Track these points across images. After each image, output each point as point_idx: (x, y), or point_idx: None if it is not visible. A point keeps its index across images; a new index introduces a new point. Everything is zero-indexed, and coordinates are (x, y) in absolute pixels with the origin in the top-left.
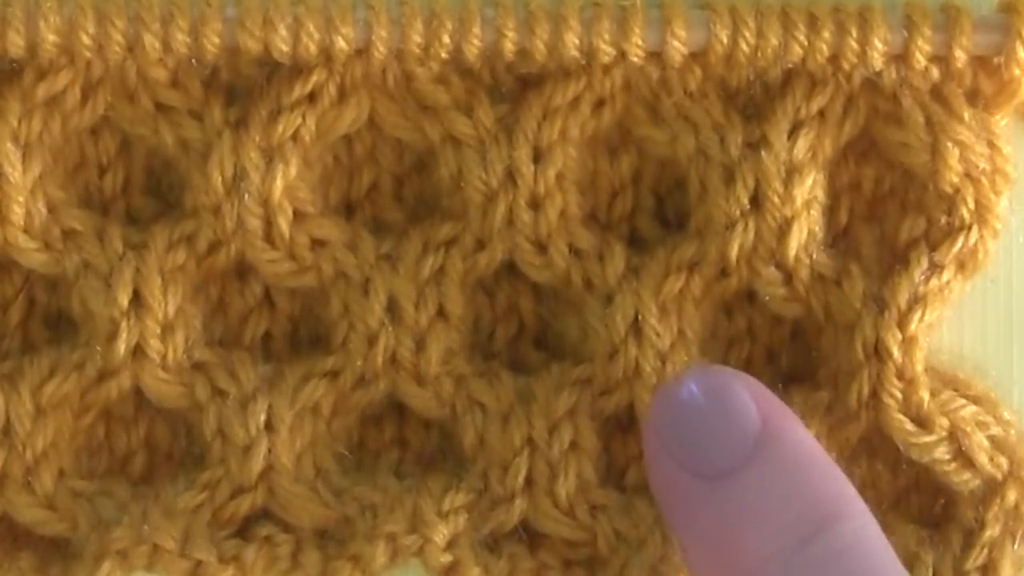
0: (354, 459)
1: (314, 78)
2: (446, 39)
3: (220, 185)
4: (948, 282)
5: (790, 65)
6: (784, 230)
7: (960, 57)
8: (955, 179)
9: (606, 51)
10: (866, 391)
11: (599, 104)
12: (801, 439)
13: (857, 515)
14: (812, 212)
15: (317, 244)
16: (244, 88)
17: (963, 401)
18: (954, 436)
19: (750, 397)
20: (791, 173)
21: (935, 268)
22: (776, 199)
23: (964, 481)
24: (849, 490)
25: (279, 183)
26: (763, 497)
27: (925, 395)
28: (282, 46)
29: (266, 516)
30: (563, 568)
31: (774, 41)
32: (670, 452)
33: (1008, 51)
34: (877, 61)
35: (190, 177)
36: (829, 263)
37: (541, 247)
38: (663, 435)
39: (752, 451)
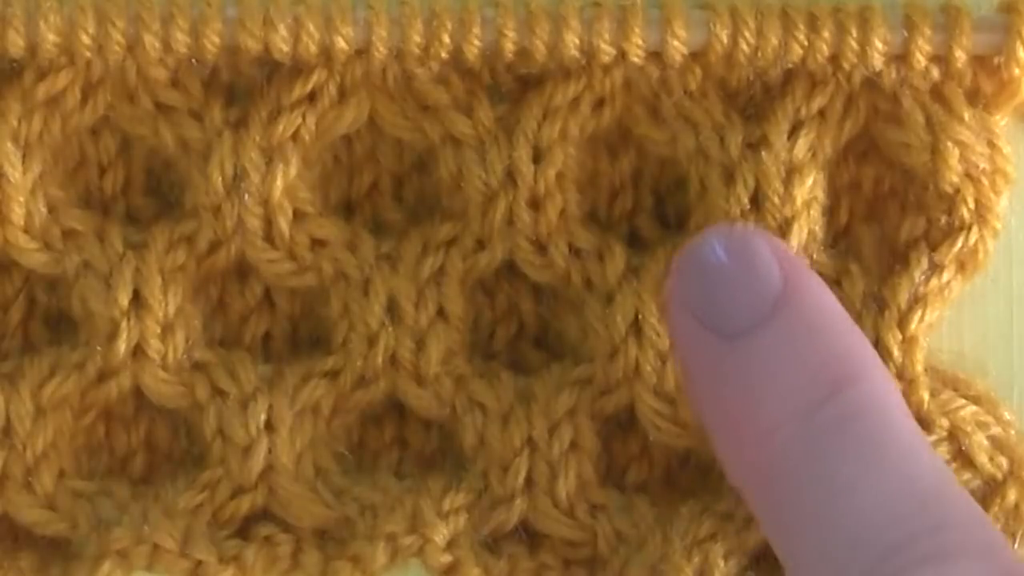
0: (354, 459)
1: (314, 78)
2: (446, 39)
3: (220, 185)
4: (948, 282)
5: (790, 65)
6: (784, 230)
7: (960, 57)
8: (955, 179)
9: (606, 51)
10: None
11: (599, 104)
12: (822, 300)
13: (872, 378)
14: (812, 212)
15: (317, 244)
16: (244, 88)
17: (963, 401)
18: (954, 436)
19: (773, 256)
20: (791, 173)
21: (935, 268)
22: (776, 199)
23: (964, 481)
24: (867, 352)
25: (279, 183)
26: (778, 359)
27: (925, 395)
28: (282, 46)
29: (266, 516)
30: (563, 568)
31: (774, 41)
32: (691, 310)
33: (1008, 51)
34: (877, 61)
35: (190, 177)
36: (829, 263)
37: (541, 247)
38: (685, 293)
39: (772, 310)
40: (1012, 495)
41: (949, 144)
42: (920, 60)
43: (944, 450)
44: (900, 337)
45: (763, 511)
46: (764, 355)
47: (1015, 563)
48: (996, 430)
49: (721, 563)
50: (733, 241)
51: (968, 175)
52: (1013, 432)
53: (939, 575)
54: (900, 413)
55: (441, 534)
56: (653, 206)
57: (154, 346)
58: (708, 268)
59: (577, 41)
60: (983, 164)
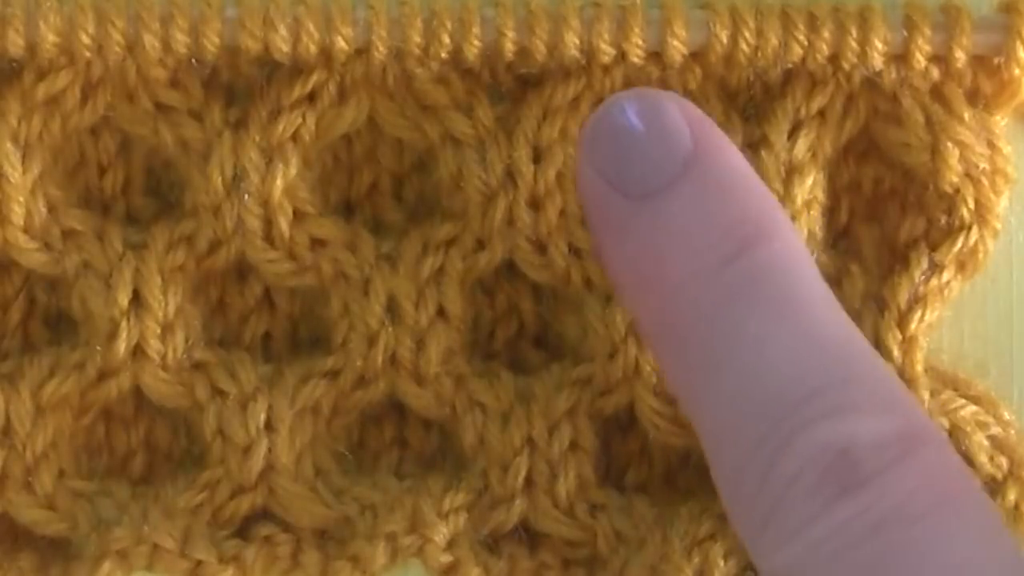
0: (354, 459)
1: (314, 78)
2: (446, 39)
3: (220, 185)
4: (948, 282)
5: (790, 65)
6: None
7: (960, 57)
8: (955, 179)
9: (606, 51)
10: None
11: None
12: (731, 162)
13: (780, 237)
14: (812, 212)
15: (317, 244)
16: (244, 88)
17: (963, 401)
18: (954, 436)
19: (682, 118)
20: (791, 173)
21: (935, 268)
22: (776, 199)
23: None
24: (777, 213)
25: (279, 183)
26: (688, 217)
27: (925, 395)
28: (282, 46)
29: (266, 516)
30: (563, 568)
31: (774, 41)
32: (600, 171)
33: (1008, 51)
34: (877, 61)
35: (190, 177)
36: (829, 263)
37: (541, 247)
38: (595, 154)
39: (681, 171)
40: (1012, 495)
41: (949, 144)
42: (920, 60)
43: None
44: (900, 337)
45: (671, 367)
46: (675, 213)
47: (918, 416)
48: (996, 430)
49: (721, 563)
50: (643, 104)
51: (968, 175)
52: (1013, 432)
53: (840, 429)
54: (810, 272)
55: (441, 534)
56: None
57: (154, 346)
58: (618, 130)
59: (577, 41)
60: (983, 164)
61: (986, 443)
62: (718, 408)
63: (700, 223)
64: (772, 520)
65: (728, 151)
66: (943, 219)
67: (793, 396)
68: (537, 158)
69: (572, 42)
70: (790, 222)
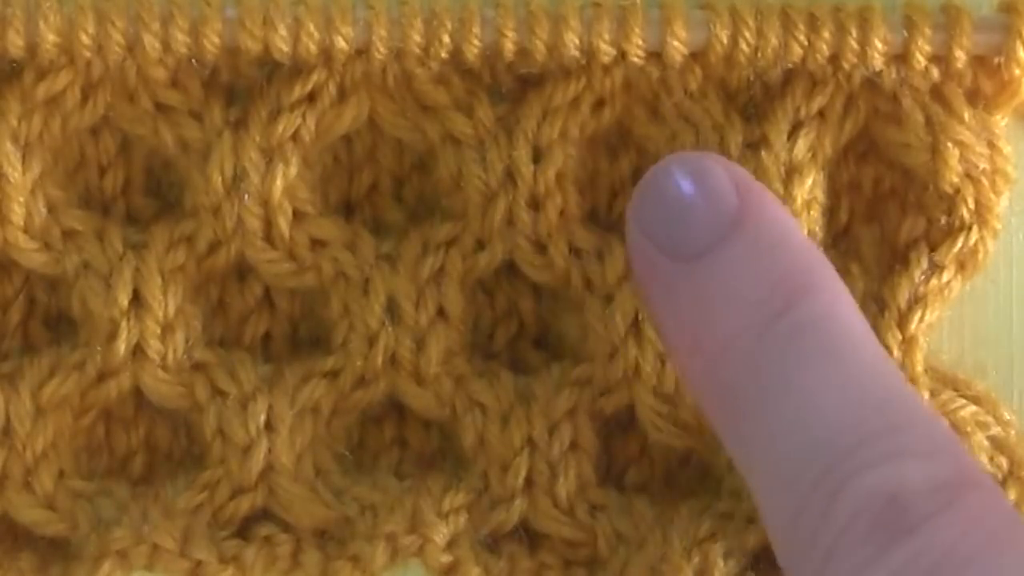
0: (354, 459)
1: (314, 78)
2: (446, 39)
3: (220, 185)
4: (948, 282)
5: (790, 65)
6: None
7: (960, 57)
8: (955, 179)
9: (606, 51)
10: None
11: (599, 104)
12: (777, 218)
13: (829, 289)
14: (812, 212)
15: (317, 244)
16: (244, 88)
17: (963, 401)
18: None
19: (728, 178)
20: (791, 173)
21: (935, 268)
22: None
23: None
24: (823, 266)
25: (279, 183)
26: (737, 275)
27: (925, 395)
28: (282, 46)
29: (266, 516)
30: (563, 568)
31: (774, 41)
32: (649, 235)
33: (1008, 51)
34: (877, 61)
35: (190, 177)
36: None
37: (541, 247)
38: (643, 218)
39: (728, 231)
40: (1012, 495)
41: (949, 144)
42: (920, 60)
43: None
44: (900, 337)
45: (723, 425)
46: (723, 272)
47: (966, 462)
48: (996, 430)
49: (721, 563)
50: (690, 167)
51: (968, 175)
52: (1013, 432)
53: (889, 475)
54: (858, 321)
55: (441, 534)
56: None
57: (154, 346)
58: (666, 195)
59: (577, 41)
60: (983, 164)
61: (986, 443)
62: (769, 459)
63: (749, 280)
64: (827, 569)
65: (772, 207)
66: (943, 219)
67: (843, 444)
68: (537, 158)
69: (572, 42)
70: (835, 273)
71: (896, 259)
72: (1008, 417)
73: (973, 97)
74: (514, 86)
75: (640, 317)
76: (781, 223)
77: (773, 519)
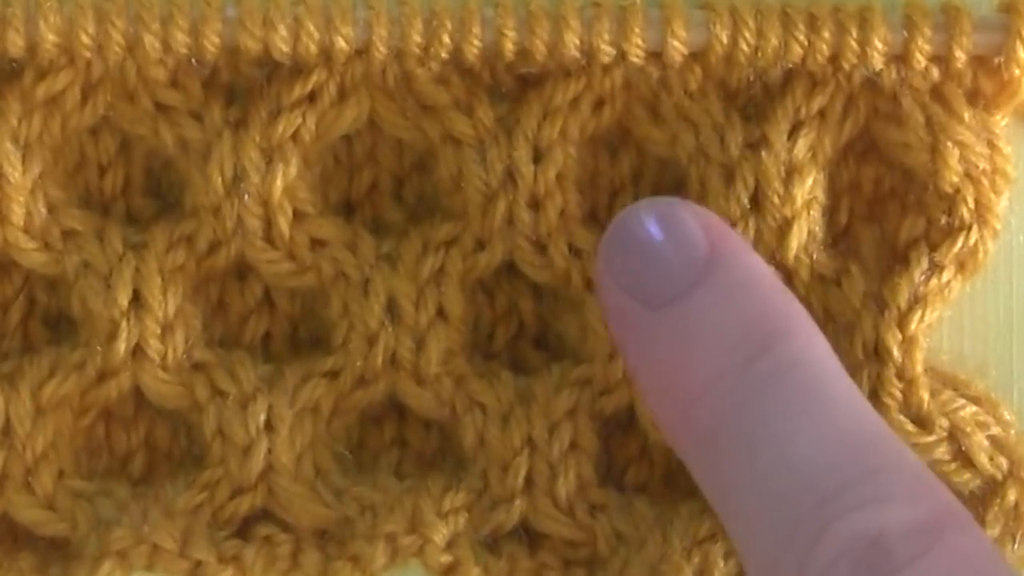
0: (354, 459)
1: (314, 78)
2: (446, 39)
3: (220, 185)
4: (948, 282)
5: (790, 65)
6: (784, 230)
7: (960, 57)
8: (955, 179)
9: (606, 51)
10: (866, 391)
11: (599, 104)
12: (748, 263)
13: (803, 333)
14: (812, 212)
15: (317, 244)
16: (244, 88)
17: (963, 401)
18: (954, 436)
19: (698, 224)
20: (791, 173)
21: (935, 268)
22: (776, 199)
23: (964, 481)
24: (796, 310)
25: (279, 183)
26: (710, 320)
27: (925, 395)
28: (282, 46)
29: (266, 516)
30: (563, 568)
31: (774, 41)
32: (620, 283)
33: (1008, 51)
34: (877, 61)
35: (190, 177)
36: (829, 263)
37: (541, 247)
38: (614, 267)
39: (699, 277)
40: (1012, 495)
41: (949, 144)
42: (920, 60)
43: (944, 450)
44: (900, 337)
45: (700, 470)
46: (696, 318)
47: (947, 501)
48: (996, 430)
49: (721, 563)
50: (659, 213)
51: (968, 175)
52: (1013, 432)
53: (870, 519)
54: (833, 365)
55: (441, 534)
56: None
57: (154, 346)
58: (636, 242)
59: (577, 41)
60: (983, 164)
61: (986, 443)
62: (749, 504)
63: (722, 325)
64: None
65: (744, 253)
66: (943, 219)
67: (823, 489)
68: (537, 158)
69: (572, 42)
70: (809, 318)
71: (896, 259)
72: (1008, 417)
73: (973, 97)
74: (514, 86)
75: None
76: (752, 267)
77: (753, 566)
